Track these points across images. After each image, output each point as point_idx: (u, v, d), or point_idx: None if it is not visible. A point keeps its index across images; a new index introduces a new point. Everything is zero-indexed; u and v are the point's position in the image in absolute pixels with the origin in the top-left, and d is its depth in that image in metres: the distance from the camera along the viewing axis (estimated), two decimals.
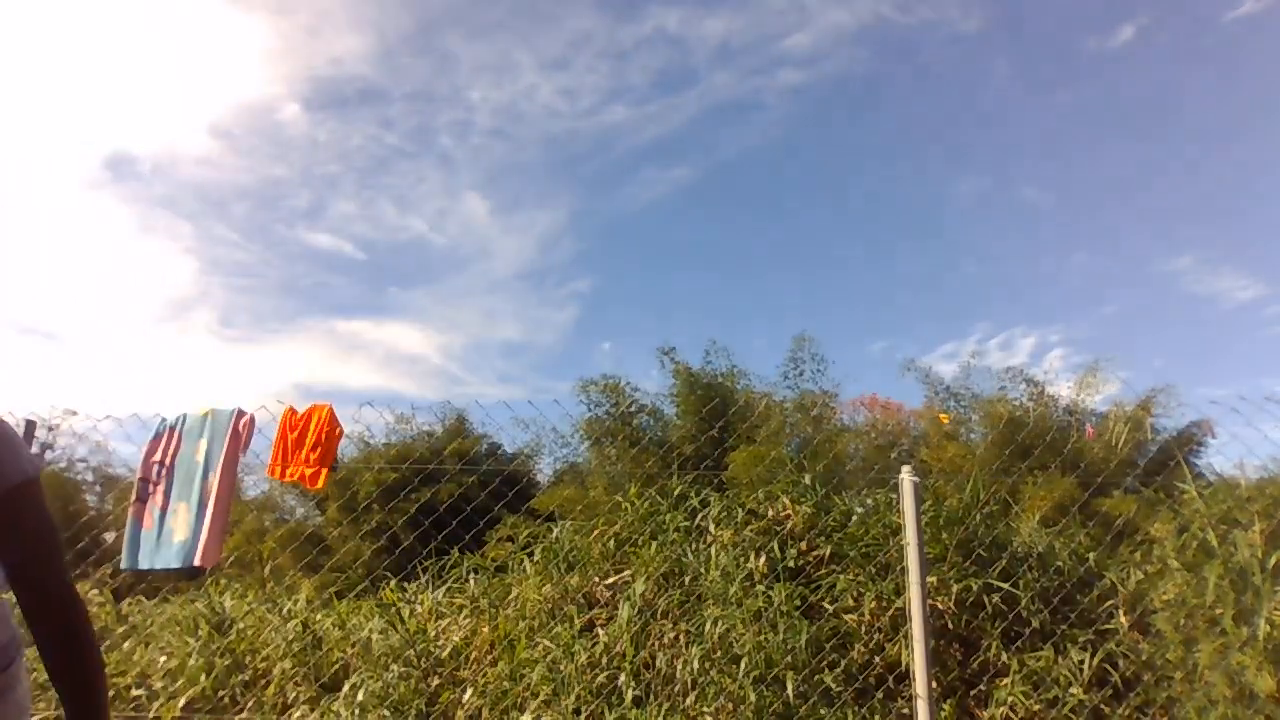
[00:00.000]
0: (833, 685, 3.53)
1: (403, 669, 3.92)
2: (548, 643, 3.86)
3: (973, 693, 3.72)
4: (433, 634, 4.21)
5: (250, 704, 3.92)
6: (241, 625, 4.51)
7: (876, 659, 3.69)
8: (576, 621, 4.02)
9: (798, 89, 24.88)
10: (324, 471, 3.87)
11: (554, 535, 4.79)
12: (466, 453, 10.33)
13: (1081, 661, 3.60)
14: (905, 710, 3.48)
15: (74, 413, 5.14)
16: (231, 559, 8.40)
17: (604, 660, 3.77)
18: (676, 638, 3.82)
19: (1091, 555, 4.28)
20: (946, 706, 3.58)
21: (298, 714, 3.81)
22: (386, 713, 3.67)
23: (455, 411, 10.48)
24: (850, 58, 25.10)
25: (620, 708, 3.53)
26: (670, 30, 25.59)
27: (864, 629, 3.84)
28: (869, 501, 4.65)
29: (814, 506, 4.49)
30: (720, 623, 3.71)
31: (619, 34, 26.54)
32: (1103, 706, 3.52)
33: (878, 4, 24.13)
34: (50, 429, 10.02)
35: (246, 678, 4.09)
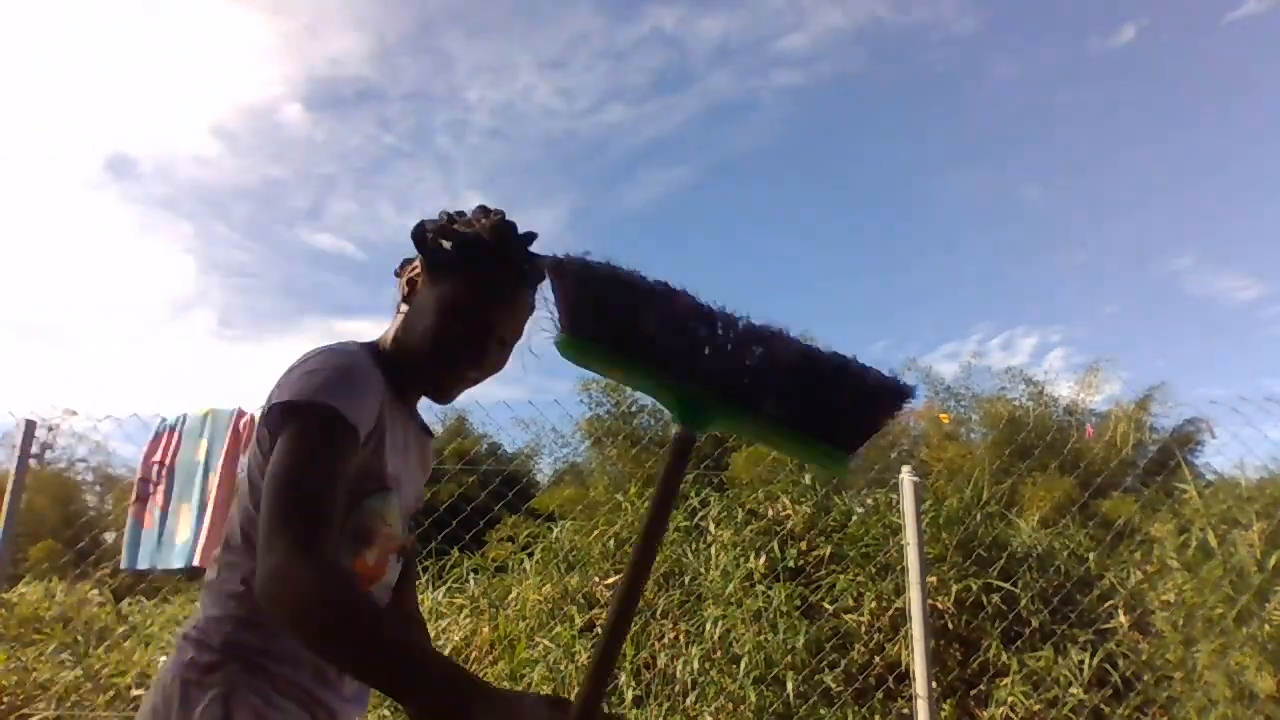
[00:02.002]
0: (833, 685, 3.53)
1: None
2: (548, 643, 3.86)
3: (973, 693, 3.72)
4: (433, 634, 4.21)
5: None
6: None
7: (876, 659, 3.69)
8: (576, 621, 4.03)
9: (795, 89, 24.86)
10: None
11: (554, 535, 4.80)
12: (466, 453, 10.33)
13: (1081, 661, 3.60)
14: (905, 710, 3.48)
15: (74, 413, 5.13)
16: None
17: None
18: (676, 638, 3.83)
19: (1091, 555, 4.29)
20: (946, 706, 3.58)
21: None
22: (386, 713, 3.67)
23: (455, 411, 10.47)
24: (847, 58, 25.09)
25: (620, 708, 3.53)
26: (668, 30, 25.57)
27: (864, 629, 3.84)
28: (869, 501, 4.66)
29: (814, 506, 4.50)
30: (720, 623, 3.71)
31: (617, 34, 26.54)
32: (1103, 706, 3.52)
33: (874, 4, 24.11)
34: (50, 429, 10.02)
35: None
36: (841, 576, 4.03)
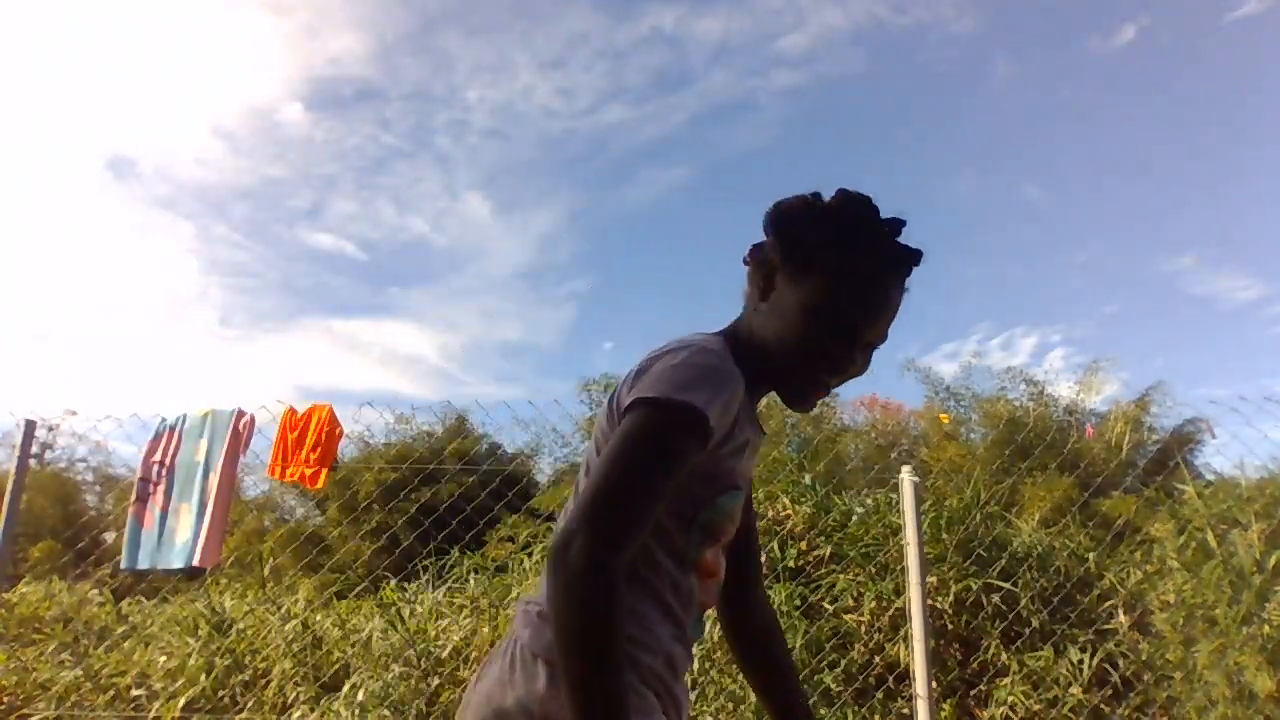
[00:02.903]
0: (833, 685, 3.53)
1: (403, 669, 3.93)
2: None
3: (973, 693, 3.72)
4: (433, 634, 4.21)
5: (250, 704, 3.92)
6: (241, 625, 4.51)
7: (876, 659, 3.69)
8: None
9: (793, 90, 24.86)
10: (324, 471, 3.87)
11: None
12: (466, 453, 10.34)
13: (1081, 661, 3.60)
14: (905, 710, 3.48)
15: (74, 413, 5.14)
16: (231, 559, 8.40)
17: None
18: None
19: (1091, 555, 4.28)
20: (946, 706, 3.58)
21: (298, 714, 3.82)
22: (386, 712, 3.67)
23: (455, 411, 10.50)
24: (846, 58, 25.10)
25: None
26: (667, 30, 25.57)
27: (864, 629, 3.84)
28: (869, 501, 4.65)
29: (814, 506, 4.49)
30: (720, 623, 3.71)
31: (616, 34, 26.54)
32: (1103, 706, 3.52)
33: (873, 4, 24.11)
34: (50, 429, 10.04)
35: (246, 678, 4.09)
36: (841, 576, 4.03)
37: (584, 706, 0.79)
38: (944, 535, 4.09)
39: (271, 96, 27.63)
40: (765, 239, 1.09)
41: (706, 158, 27.07)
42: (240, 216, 26.84)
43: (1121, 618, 3.84)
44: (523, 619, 1.01)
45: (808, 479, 4.82)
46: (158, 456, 3.85)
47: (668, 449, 0.90)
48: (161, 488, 3.78)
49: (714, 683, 3.55)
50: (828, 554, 4.19)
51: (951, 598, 3.89)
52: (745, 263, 1.13)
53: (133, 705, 4.01)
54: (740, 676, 3.51)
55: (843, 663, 3.62)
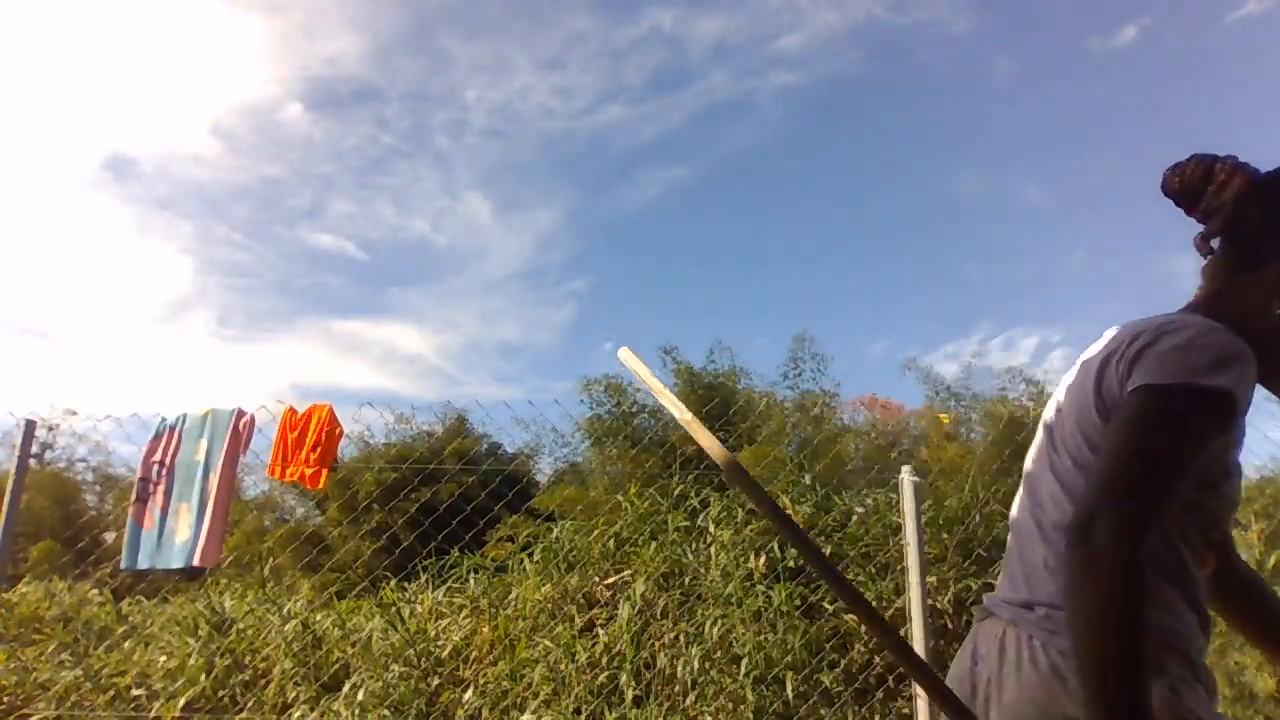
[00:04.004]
0: (832, 685, 3.53)
1: (403, 669, 3.93)
2: (548, 643, 3.86)
3: None
4: (433, 634, 4.21)
5: (250, 704, 3.92)
6: (241, 625, 4.51)
7: (876, 659, 3.69)
8: (576, 621, 4.03)
9: (791, 89, 24.90)
10: (324, 471, 3.87)
11: (554, 535, 4.80)
12: (466, 452, 10.34)
13: None
14: (905, 710, 3.48)
15: (74, 413, 5.15)
16: (231, 559, 8.40)
17: (604, 660, 3.77)
18: (676, 638, 3.83)
19: None
20: None
21: (298, 714, 3.81)
22: (386, 712, 3.67)
23: (455, 411, 10.50)
24: (844, 58, 25.14)
25: (620, 707, 3.53)
26: (665, 30, 25.60)
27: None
28: (869, 501, 4.65)
29: (814, 506, 4.50)
30: (720, 623, 3.71)
31: (614, 34, 26.58)
32: None
33: (871, 4, 24.15)
34: (50, 429, 10.05)
35: (246, 678, 4.09)
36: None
37: (1107, 688, 0.79)
38: (944, 535, 4.09)
39: (270, 96, 27.66)
40: (1237, 206, 1.05)
41: (705, 157, 27.11)
42: (239, 216, 26.87)
43: None
44: (1043, 623, 0.97)
45: (808, 479, 4.82)
46: (158, 456, 3.85)
47: (1190, 432, 0.90)
48: (161, 488, 3.78)
49: (714, 683, 3.54)
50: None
51: (951, 597, 3.89)
52: (1204, 242, 1.08)
53: (133, 705, 4.01)
54: (740, 676, 3.51)
55: (843, 663, 3.62)
